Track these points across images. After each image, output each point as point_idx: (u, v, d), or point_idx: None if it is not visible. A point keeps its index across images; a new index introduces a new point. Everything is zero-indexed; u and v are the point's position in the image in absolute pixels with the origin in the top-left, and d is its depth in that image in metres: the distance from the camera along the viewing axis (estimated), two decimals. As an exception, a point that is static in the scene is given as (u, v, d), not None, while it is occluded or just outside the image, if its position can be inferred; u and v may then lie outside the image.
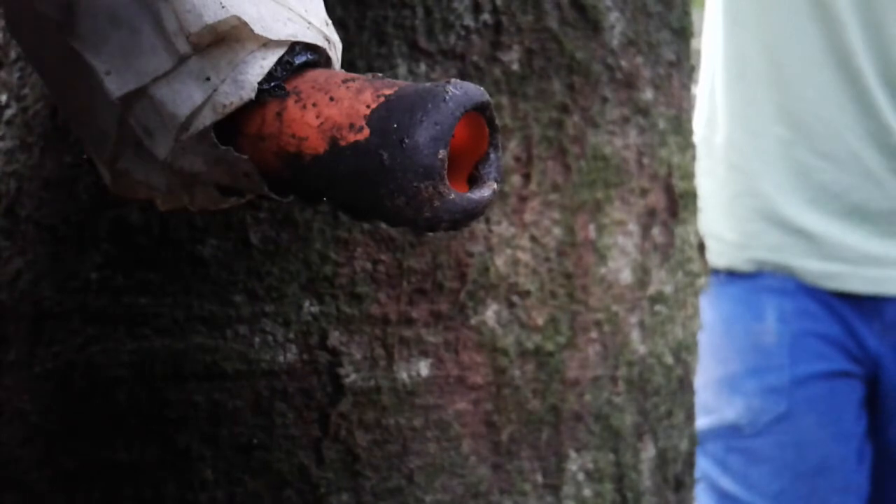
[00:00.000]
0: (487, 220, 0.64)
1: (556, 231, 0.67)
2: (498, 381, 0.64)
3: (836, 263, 1.08)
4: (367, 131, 0.38)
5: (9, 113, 0.61)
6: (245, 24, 0.39)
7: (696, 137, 1.16)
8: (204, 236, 0.57)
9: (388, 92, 0.39)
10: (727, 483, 1.09)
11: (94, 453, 0.58)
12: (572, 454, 0.67)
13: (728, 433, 1.10)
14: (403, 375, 0.60)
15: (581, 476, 0.68)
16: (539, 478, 0.65)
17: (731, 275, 1.14)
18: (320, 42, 0.42)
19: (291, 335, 0.58)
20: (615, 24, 0.69)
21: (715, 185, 1.14)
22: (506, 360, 0.64)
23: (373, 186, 0.38)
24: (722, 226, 1.14)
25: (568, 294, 0.68)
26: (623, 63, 0.70)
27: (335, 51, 0.44)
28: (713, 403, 1.13)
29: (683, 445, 0.77)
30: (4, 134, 0.61)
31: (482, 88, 0.39)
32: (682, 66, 0.78)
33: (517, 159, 0.65)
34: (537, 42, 0.66)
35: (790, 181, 1.10)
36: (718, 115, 1.16)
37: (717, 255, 1.14)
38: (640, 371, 0.72)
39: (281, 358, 0.58)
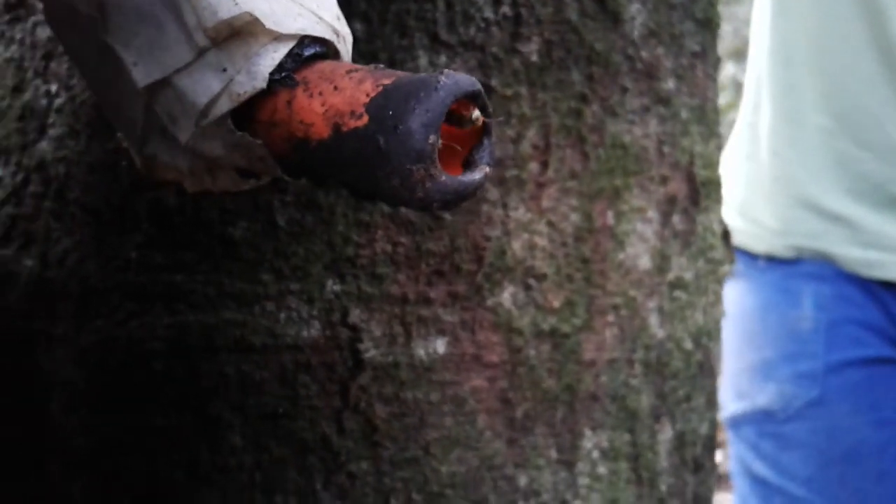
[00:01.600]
0: (505, 206, 0.67)
1: (574, 217, 0.69)
2: (513, 360, 0.66)
3: (877, 251, 1.07)
4: (366, 118, 0.41)
5: (58, 101, 0.65)
6: (257, 19, 0.43)
7: (743, 122, 1.17)
8: (234, 218, 0.61)
9: (386, 82, 0.42)
10: (759, 467, 1.10)
11: (133, 420, 0.62)
12: (587, 432, 0.70)
13: (761, 418, 1.11)
14: (421, 352, 0.63)
15: (596, 454, 0.70)
16: (553, 454, 0.68)
17: (771, 261, 1.14)
18: (328, 35, 0.45)
19: (315, 312, 0.61)
20: (636, 15, 0.71)
21: (757, 170, 1.15)
22: (521, 340, 0.67)
23: (371, 168, 0.41)
24: (763, 211, 1.15)
25: (585, 278, 0.70)
26: (644, 54, 0.72)
27: (345, 43, 0.47)
28: (747, 389, 1.14)
29: (703, 429, 0.79)
30: (54, 121, 0.66)
31: (473, 78, 0.42)
32: (707, 57, 0.79)
33: (535, 147, 0.67)
34: (557, 33, 0.68)
35: (831, 170, 1.10)
36: (763, 102, 1.16)
37: (757, 241, 1.14)
38: (658, 355, 0.74)
39: (305, 333, 0.61)
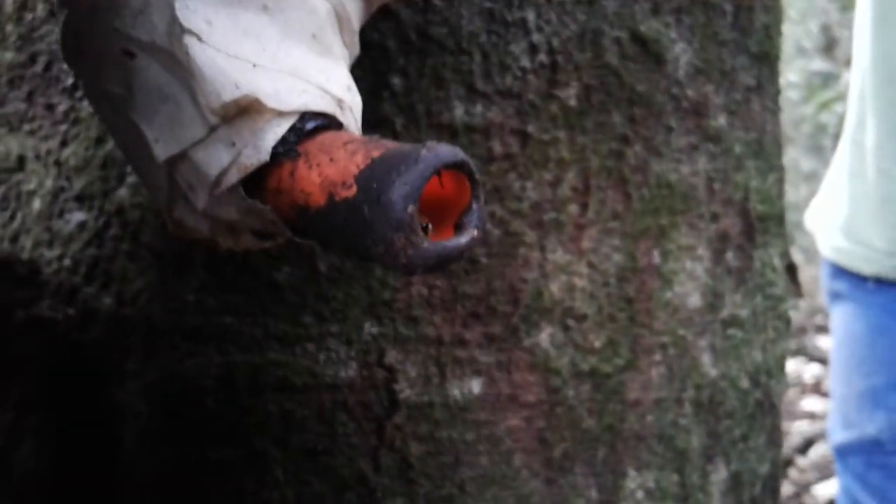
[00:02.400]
0: (542, 248, 0.67)
1: (616, 257, 0.69)
2: (551, 399, 0.67)
3: None
4: (354, 188, 0.43)
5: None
6: (257, 99, 0.46)
7: (847, 139, 1.12)
8: (279, 264, 0.65)
9: (375, 154, 0.44)
10: (866, 499, 1.05)
11: (190, 453, 0.66)
12: (631, 472, 0.70)
13: (869, 448, 1.06)
14: (456, 392, 0.65)
15: (640, 494, 0.70)
16: (594, 493, 0.68)
17: (880, 283, 1.09)
18: (330, 109, 0.47)
19: (353, 353, 0.64)
20: (680, 55, 0.71)
21: (863, 188, 1.10)
22: (559, 380, 0.67)
23: (360, 236, 0.43)
24: (870, 231, 1.10)
25: (629, 318, 0.70)
26: (690, 92, 0.71)
27: (351, 113, 0.49)
28: (855, 417, 1.09)
29: (763, 469, 0.77)
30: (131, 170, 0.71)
31: (456, 149, 0.43)
32: (764, 90, 0.78)
33: (574, 190, 0.68)
34: (596, 78, 0.68)
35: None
36: (867, 118, 1.11)
37: (865, 262, 1.10)
38: (710, 394, 0.73)
39: (343, 373, 0.64)
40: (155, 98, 0.47)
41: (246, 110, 0.45)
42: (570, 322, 0.67)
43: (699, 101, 0.72)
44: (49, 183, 0.73)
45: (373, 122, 0.65)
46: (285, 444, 0.64)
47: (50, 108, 0.73)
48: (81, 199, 0.72)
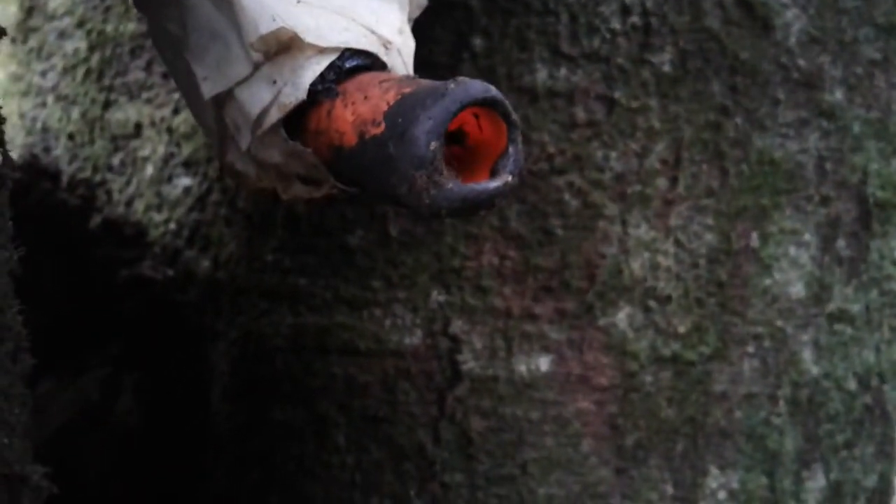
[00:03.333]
0: (624, 223, 0.63)
1: (708, 237, 0.64)
2: (626, 384, 0.62)
3: None
4: (383, 125, 0.41)
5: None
6: (296, 34, 0.44)
7: None
8: (352, 226, 0.63)
9: (406, 90, 0.41)
10: None
11: (259, 411, 0.66)
12: (713, 470, 0.64)
13: None
14: (522, 368, 0.61)
15: (723, 494, 0.64)
16: (669, 489, 0.63)
17: None
18: (374, 48, 0.45)
19: (418, 320, 0.62)
20: (792, 21, 0.64)
21: None
22: (636, 364, 0.62)
23: (386, 174, 0.41)
24: None
25: (719, 303, 0.64)
26: (801, 62, 0.65)
27: (399, 55, 0.47)
28: None
29: (870, 481, 0.69)
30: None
31: (487, 85, 0.40)
32: (891, 65, 0.70)
33: (664, 162, 0.63)
34: (693, 43, 0.63)
35: None
36: None
37: None
38: (810, 393, 0.66)
39: (407, 340, 0.61)
40: (206, 36, 0.46)
41: (287, 47, 0.44)
42: (652, 303, 0.62)
43: (812, 73, 0.64)
44: (161, 149, 0.75)
45: (452, 85, 0.61)
46: (348, 409, 0.62)
47: (166, 76, 0.74)
48: (188, 165, 0.73)
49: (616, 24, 0.62)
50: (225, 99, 0.46)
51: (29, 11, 0.88)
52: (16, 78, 0.90)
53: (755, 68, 0.64)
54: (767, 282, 0.64)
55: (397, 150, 0.39)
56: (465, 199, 0.39)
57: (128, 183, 0.79)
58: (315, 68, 0.44)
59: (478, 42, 0.62)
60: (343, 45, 0.44)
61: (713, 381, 0.63)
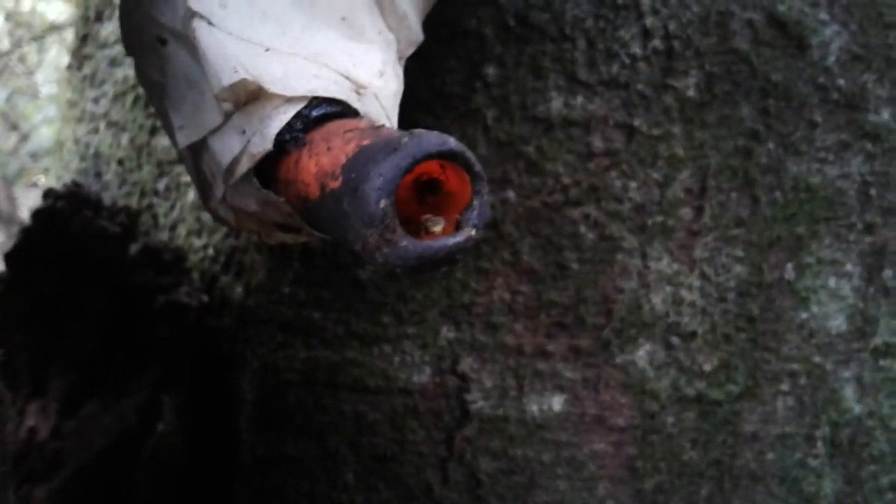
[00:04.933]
0: (644, 256, 0.58)
1: (738, 269, 0.59)
2: (645, 425, 0.58)
3: None
4: (340, 179, 0.38)
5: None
6: (259, 84, 0.41)
7: None
8: (364, 261, 0.60)
9: (365, 142, 0.38)
10: None
11: (275, 445, 0.64)
12: (743, 516, 0.58)
13: None
14: (534, 408, 0.57)
15: (753, 541, 0.58)
16: (693, 535, 0.58)
17: None
18: (343, 94, 0.42)
19: (427, 357, 0.59)
20: (831, 39, 0.58)
21: None
22: (656, 404, 0.58)
23: (343, 230, 0.38)
24: None
25: (750, 339, 0.59)
26: (841, 82, 0.59)
27: (376, 99, 0.44)
28: None
29: (921, 528, 0.62)
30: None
31: (447, 138, 0.37)
32: (945, 80, 0.63)
33: (688, 191, 0.58)
34: (721, 65, 0.58)
35: None
36: None
37: None
38: (852, 433, 0.60)
39: (416, 378, 0.59)
40: (183, 84, 0.44)
41: (255, 96, 0.41)
42: (675, 340, 0.58)
43: (854, 93, 0.58)
44: (205, 173, 0.74)
45: (463, 113, 0.58)
46: (357, 446, 0.59)
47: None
48: (228, 189, 0.72)
49: (636, 49, 0.57)
50: (200, 148, 0.44)
51: (84, 39, 0.89)
52: (71, 104, 0.91)
53: (789, 90, 0.58)
54: (804, 315, 0.59)
55: (350, 207, 0.36)
56: (421, 257, 0.36)
57: (172, 207, 0.78)
58: (282, 118, 0.41)
59: (491, 71, 0.58)
60: (310, 94, 0.41)
61: (742, 422, 0.58)
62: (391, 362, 0.59)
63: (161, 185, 0.77)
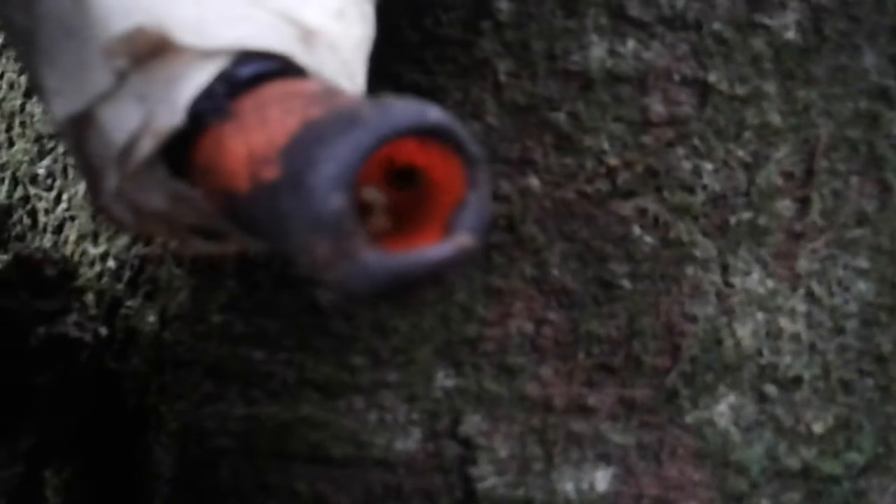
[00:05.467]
0: (725, 268, 0.61)
1: (861, 287, 0.62)
2: (729, 511, 0.60)
3: None
4: (278, 167, 0.39)
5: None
6: (161, 32, 0.43)
7: None
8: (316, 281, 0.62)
9: (313, 114, 0.40)
10: None
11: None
12: None
13: None
14: (568, 488, 0.60)
15: None
16: None
17: None
18: (282, 46, 0.43)
19: (415, 415, 0.61)
20: None
21: None
22: (745, 481, 0.60)
23: (281, 237, 0.40)
24: None
25: (880, 387, 0.62)
26: None
27: (330, 51, 0.45)
28: None
29: None
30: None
31: (429, 108, 0.38)
32: None
33: (787, 175, 0.61)
34: (832, -3, 0.60)
35: None
36: None
37: None
38: None
39: (399, 444, 0.61)
40: (59, 32, 0.46)
41: (160, 48, 0.43)
42: (770, 389, 0.61)
43: None
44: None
45: (466, 66, 0.60)
46: (317, 542, 0.61)
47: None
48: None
49: (712, -27, 0.59)
50: (85, 120, 0.45)
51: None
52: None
53: (934, 29, 0.60)
54: (960, 353, 0.61)
55: (292, 205, 0.38)
56: (395, 276, 0.37)
57: (57, 201, 0.80)
58: (197, 79, 0.42)
59: (503, 6, 0.60)
60: (236, 45, 0.42)
61: (869, 506, 0.61)
62: (365, 422, 0.61)
63: (41, 170, 0.79)
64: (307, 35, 0.44)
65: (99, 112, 0.45)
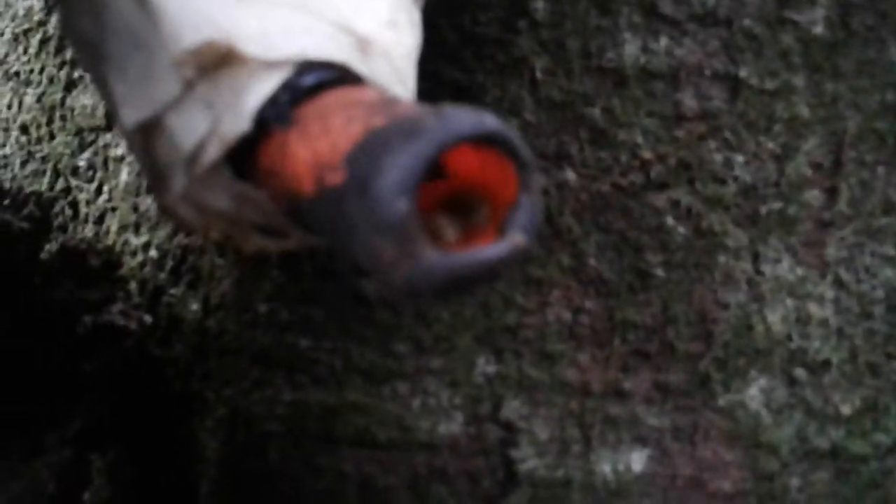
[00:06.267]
0: (756, 257, 0.62)
1: (888, 273, 0.63)
2: (760, 490, 0.62)
3: None
4: (343, 172, 0.42)
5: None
6: (228, 44, 0.45)
7: None
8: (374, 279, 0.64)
9: (377, 122, 0.42)
10: None
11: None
12: None
13: None
14: (605, 469, 0.62)
15: None
16: None
17: None
18: (341, 56, 0.46)
19: (458, 400, 0.63)
20: None
21: None
22: (775, 461, 0.62)
23: (346, 239, 0.42)
24: None
25: (906, 371, 0.63)
26: None
27: (385, 59, 0.47)
28: None
29: None
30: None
31: (484, 116, 0.40)
32: None
33: (816, 166, 0.62)
34: (860, -10, 0.62)
35: None
36: None
37: None
38: None
39: (443, 428, 0.63)
40: (127, 43, 0.48)
41: (226, 59, 0.45)
42: (800, 373, 0.62)
43: None
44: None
45: (503, 64, 0.62)
46: (365, 521, 0.64)
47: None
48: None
49: (742, -32, 0.61)
50: (153, 127, 0.48)
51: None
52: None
53: (958, 21, 0.61)
54: (983, 338, 0.62)
55: (357, 209, 0.40)
56: (455, 275, 0.40)
57: (98, 192, 0.82)
58: (262, 88, 0.44)
59: (540, 6, 0.62)
60: (298, 56, 0.45)
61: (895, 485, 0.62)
62: (409, 407, 0.63)
63: (82, 162, 0.80)
64: (363, 44, 0.47)
65: (167, 119, 0.47)
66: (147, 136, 0.49)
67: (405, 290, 0.40)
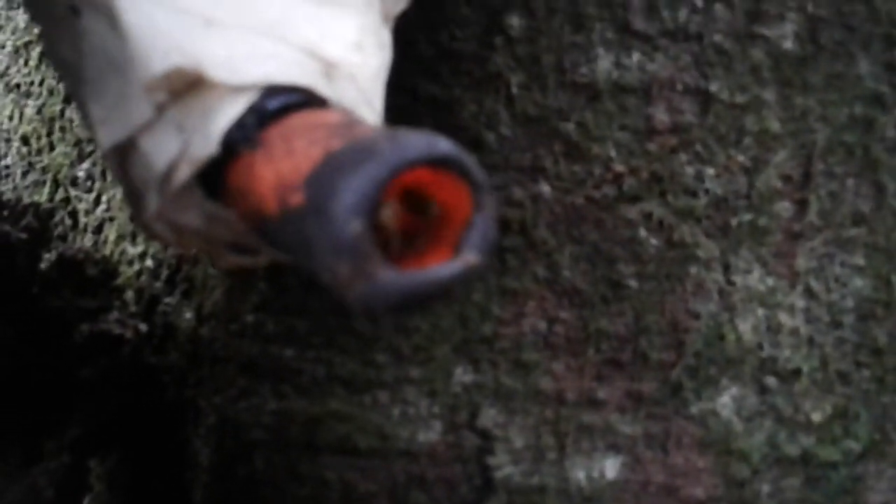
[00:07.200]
0: (727, 268, 0.63)
1: (857, 283, 0.64)
2: (732, 496, 0.63)
3: None
4: (303, 194, 0.44)
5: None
6: (196, 70, 0.47)
7: None
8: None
9: (335, 145, 0.44)
10: None
11: (240, 524, 0.70)
12: None
13: None
14: (579, 475, 0.63)
15: None
16: None
17: None
18: (305, 80, 0.48)
19: (436, 409, 0.64)
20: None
21: None
22: (747, 467, 0.63)
23: (307, 257, 0.44)
24: None
25: (875, 378, 0.64)
26: None
27: (352, 81, 0.49)
28: None
29: None
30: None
31: (438, 140, 0.42)
32: None
33: (786, 179, 0.63)
34: (829, 6, 0.63)
35: None
36: None
37: None
38: None
39: (421, 437, 0.64)
40: (104, 67, 0.50)
41: (195, 84, 0.47)
42: (771, 381, 0.63)
43: None
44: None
45: (479, 79, 0.63)
46: (346, 528, 0.65)
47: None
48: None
49: (712, -16, 0.62)
50: (128, 148, 0.50)
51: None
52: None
53: (924, 36, 0.63)
54: (952, 345, 0.63)
55: (315, 230, 0.42)
56: (408, 293, 0.41)
57: (97, 202, 0.84)
58: (228, 112, 0.46)
59: (515, 22, 0.63)
60: (264, 81, 0.46)
61: (866, 490, 0.63)
62: (389, 416, 0.64)
63: (81, 172, 0.82)
64: (328, 68, 0.48)
65: (140, 141, 0.49)
66: (123, 157, 0.51)
67: (361, 307, 0.42)
